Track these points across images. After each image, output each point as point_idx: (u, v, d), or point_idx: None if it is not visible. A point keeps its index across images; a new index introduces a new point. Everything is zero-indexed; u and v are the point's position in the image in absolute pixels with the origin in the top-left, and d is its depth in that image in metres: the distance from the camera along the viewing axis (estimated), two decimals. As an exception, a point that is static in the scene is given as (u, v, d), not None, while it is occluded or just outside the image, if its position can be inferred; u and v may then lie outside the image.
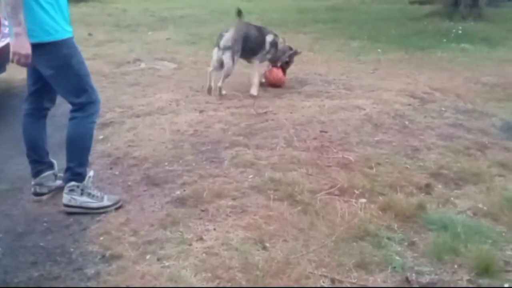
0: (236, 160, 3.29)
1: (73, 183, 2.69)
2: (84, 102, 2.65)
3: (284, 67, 5.16)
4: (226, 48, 4.64)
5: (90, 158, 2.85)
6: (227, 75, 4.71)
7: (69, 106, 2.71)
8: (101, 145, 3.56)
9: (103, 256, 2.29)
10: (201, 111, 4.26)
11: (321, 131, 3.78)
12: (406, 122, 4.05)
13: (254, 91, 4.79)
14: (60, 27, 2.51)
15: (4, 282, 2.15)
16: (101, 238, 2.43)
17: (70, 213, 2.67)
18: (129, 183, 3.03)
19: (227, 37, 4.65)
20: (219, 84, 4.68)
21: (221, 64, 4.70)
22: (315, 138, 3.68)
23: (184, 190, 2.88)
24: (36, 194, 2.84)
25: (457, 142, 3.66)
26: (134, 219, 2.60)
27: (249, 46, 4.81)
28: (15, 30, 2.36)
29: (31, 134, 2.81)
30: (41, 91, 2.74)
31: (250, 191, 2.88)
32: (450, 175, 3.11)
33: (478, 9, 9.85)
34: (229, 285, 2.08)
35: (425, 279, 2.12)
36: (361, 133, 3.78)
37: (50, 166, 2.88)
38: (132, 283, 2.09)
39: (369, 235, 2.42)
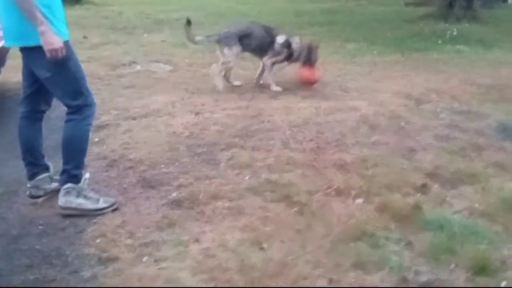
0: (232, 161, 3.29)
1: (69, 185, 2.68)
2: (80, 104, 2.65)
3: (307, 64, 5.09)
4: (217, 41, 4.97)
5: (86, 161, 2.84)
6: (224, 66, 4.96)
7: (65, 109, 2.70)
8: (97, 148, 3.55)
9: (100, 259, 2.28)
10: (197, 113, 4.26)
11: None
12: (402, 123, 4.06)
13: (274, 88, 5.02)
14: (57, 30, 2.50)
15: (-1, 286, 2.14)
16: (97, 241, 2.42)
17: (66, 216, 2.66)
18: (125, 185, 3.02)
19: (219, 32, 5.00)
20: (220, 73, 4.97)
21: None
22: (311, 140, 3.68)
23: (180, 192, 2.88)
24: (32, 196, 2.83)
25: (453, 143, 3.67)
26: (130, 221, 2.59)
27: (254, 44, 5.00)
28: (40, 29, 2.38)
29: (27, 137, 2.80)
30: (37, 93, 2.73)
31: (247, 192, 2.88)
32: (446, 176, 3.12)
33: (473, 11, 9.88)
34: (226, 286, 2.08)
35: (422, 279, 2.13)
36: (357, 135, 3.79)
37: (46, 168, 2.87)
38: (129, 286, 2.08)
39: (366, 236, 2.43)
